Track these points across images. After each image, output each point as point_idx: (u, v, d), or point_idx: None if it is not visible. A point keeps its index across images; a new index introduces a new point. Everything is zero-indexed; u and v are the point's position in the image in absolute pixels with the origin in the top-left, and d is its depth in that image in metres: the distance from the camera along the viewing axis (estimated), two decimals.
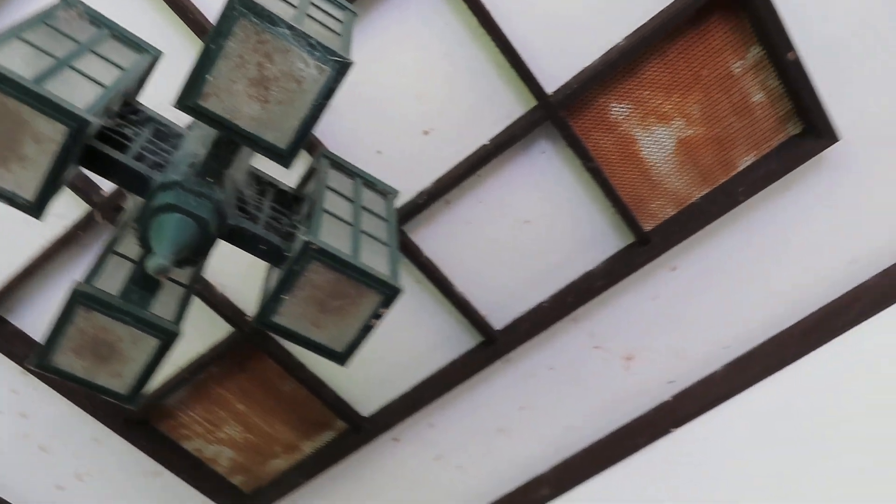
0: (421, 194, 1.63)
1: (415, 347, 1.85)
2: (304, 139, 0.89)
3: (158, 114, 1.10)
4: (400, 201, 1.64)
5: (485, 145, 1.58)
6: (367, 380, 1.89)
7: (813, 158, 1.57)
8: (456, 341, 1.84)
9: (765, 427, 1.72)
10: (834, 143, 1.54)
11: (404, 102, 1.56)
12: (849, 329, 1.71)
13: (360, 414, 1.93)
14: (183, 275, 1.11)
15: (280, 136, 0.89)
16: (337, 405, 1.89)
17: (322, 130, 1.58)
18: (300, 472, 2.01)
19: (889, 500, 1.45)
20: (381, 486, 2.06)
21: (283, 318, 1.00)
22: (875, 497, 1.46)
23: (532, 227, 1.69)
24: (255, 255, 1.02)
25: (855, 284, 1.73)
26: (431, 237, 1.70)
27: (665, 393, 1.91)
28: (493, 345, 1.81)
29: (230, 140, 0.93)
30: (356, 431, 1.94)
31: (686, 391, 1.89)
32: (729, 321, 1.80)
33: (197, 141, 1.00)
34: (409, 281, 1.76)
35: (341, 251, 0.97)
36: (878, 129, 1.56)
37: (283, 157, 0.90)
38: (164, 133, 1.05)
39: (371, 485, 2.06)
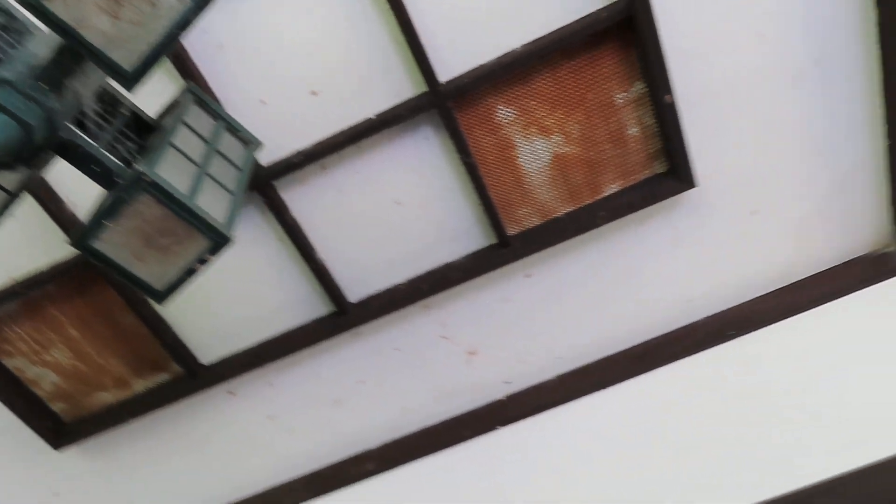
0: (298, 154, 1.60)
1: (265, 305, 1.81)
2: (153, 65, 0.85)
3: (11, 5, 1.02)
4: (274, 157, 1.61)
5: (370, 118, 1.57)
6: (211, 328, 1.84)
7: (671, 199, 1.65)
8: (308, 306, 1.82)
9: (583, 439, 1.80)
10: (691, 188, 1.62)
11: (298, 58, 1.52)
12: (673, 361, 1.82)
13: (198, 361, 1.88)
14: (8, 180, 1.04)
15: (126, 57, 0.84)
16: (176, 348, 1.84)
17: (208, 68, 1.52)
18: (126, 410, 1.94)
19: None
20: (208, 437, 2.02)
21: (103, 244, 0.95)
22: None
23: (402, 208, 1.69)
24: (86, 174, 0.96)
25: (687, 322, 1.85)
26: (301, 198, 1.67)
27: (500, 392, 1.97)
28: (343, 316, 1.80)
29: (74, 50, 0.87)
30: (192, 378, 1.89)
31: (519, 393, 1.96)
32: (570, 334, 1.87)
33: (43, 43, 0.93)
34: (272, 238, 1.73)
35: (176, 189, 0.93)
36: (732, 184, 1.66)
37: (127, 80, 0.86)
38: (10, 28, 0.97)
39: (199, 433, 2.02)
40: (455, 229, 1.72)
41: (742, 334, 1.78)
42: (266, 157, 1.61)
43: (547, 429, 1.87)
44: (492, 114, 1.59)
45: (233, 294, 1.79)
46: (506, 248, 1.72)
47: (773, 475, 1.47)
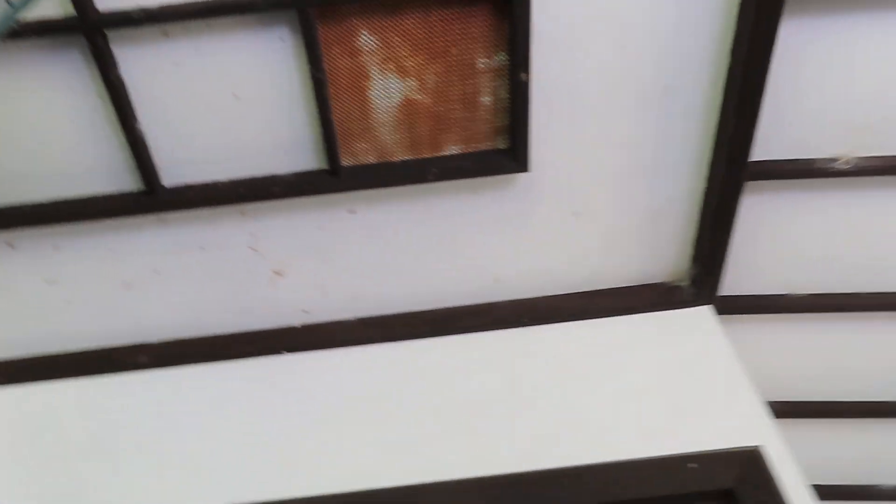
0: (140, 10, 1.46)
1: (69, 162, 1.66)
2: None
3: None
4: (113, 5, 1.46)
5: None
6: (5, 170, 1.67)
7: (504, 177, 1.67)
8: (115, 177, 1.69)
9: (363, 385, 1.80)
10: (524, 172, 1.64)
11: None
12: (466, 333, 1.86)
13: None
14: None
15: None
16: None
17: None
18: None
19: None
20: None
21: None
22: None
23: (240, 105, 1.60)
24: None
25: (490, 300, 1.89)
26: (134, 60, 1.54)
27: (296, 319, 1.93)
28: (152, 197, 1.69)
29: None
30: None
31: (315, 325, 1.94)
32: (378, 281, 1.86)
33: None
34: (91, 92, 1.58)
35: None
36: (563, 181, 1.70)
37: None
38: None
39: None
40: (288, 143, 1.65)
41: (534, 324, 1.84)
42: (105, 3, 1.46)
43: (332, 366, 1.86)
44: (354, 36, 1.52)
45: (36, 140, 1.63)
46: (335, 176, 1.67)
47: (512, 455, 1.53)
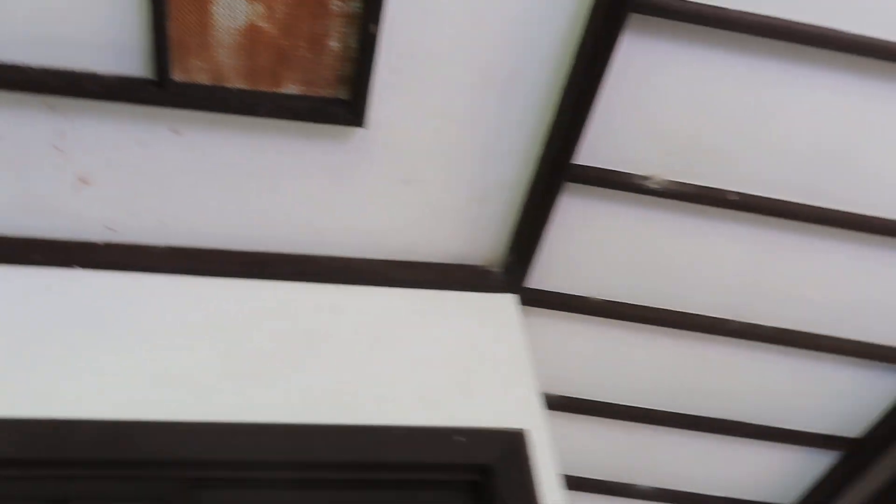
0: None
1: None
2: None
3: None
4: None
5: None
6: None
7: (339, 128, 1.60)
8: None
9: (153, 316, 1.67)
10: (359, 127, 1.58)
11: None
12: (278, 280, 1.78)
13: None
14: None
15: None
16: None
17: None
18: None
19: None
20: None
21: None
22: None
23: None
24: None
25: (308, 252, 1.81)
26: None
27: (99, 235, 1.76)
28: None
29: None
30: None
31: (119, 245, 1.77)
32: (193, 211, 1.73)
33: None
34: None
35: None
36: (399, 146, 1.65)
37: None
38: None
39: None
40: (116, 42, 1.48)
41: (345, 283, 1.79)
42: None
43: (130, 290, 1.71)
44: None
45: None
46: (162, 89, 1.52)
47: (287, 406, 1.48)
